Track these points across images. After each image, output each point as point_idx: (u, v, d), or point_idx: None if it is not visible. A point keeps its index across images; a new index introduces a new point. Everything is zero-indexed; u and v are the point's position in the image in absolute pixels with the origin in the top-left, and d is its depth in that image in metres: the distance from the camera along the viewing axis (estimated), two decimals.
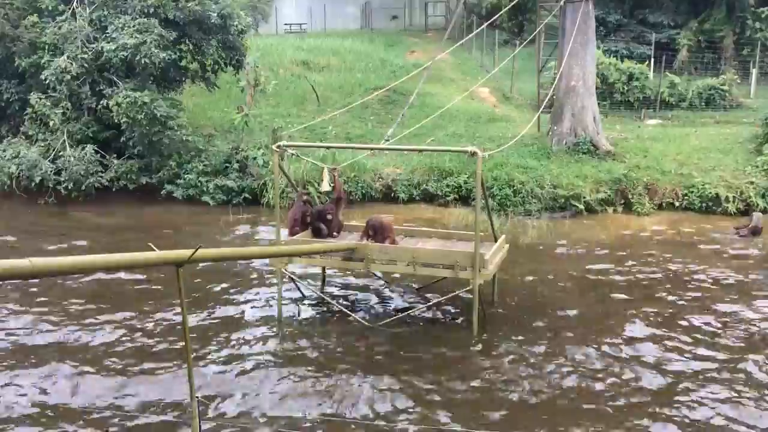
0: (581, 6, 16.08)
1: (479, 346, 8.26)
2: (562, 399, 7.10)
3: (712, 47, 25.28)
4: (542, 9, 18.87)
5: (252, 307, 9.50)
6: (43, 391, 7.20)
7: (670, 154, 16.40)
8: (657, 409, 6.87)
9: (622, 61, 22.62)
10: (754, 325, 8.92)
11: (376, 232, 9.02)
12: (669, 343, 8.36)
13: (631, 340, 8.44)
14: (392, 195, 15.24)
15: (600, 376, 7.57)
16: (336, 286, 10.46)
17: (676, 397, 7.10)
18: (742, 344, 8.38)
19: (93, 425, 6.61)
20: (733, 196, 14.60)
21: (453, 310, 9.45)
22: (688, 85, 22.06)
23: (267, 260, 10.65)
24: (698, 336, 8.60)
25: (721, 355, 8.04)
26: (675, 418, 6.71)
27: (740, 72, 23.71)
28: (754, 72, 23.21)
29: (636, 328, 8.79)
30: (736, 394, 7.14)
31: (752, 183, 14.84)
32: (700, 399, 7.07)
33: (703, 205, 14.68)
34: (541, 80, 20.21)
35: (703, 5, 26.47)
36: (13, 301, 9.60)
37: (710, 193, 14.68)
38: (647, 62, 23.38)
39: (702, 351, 8.17)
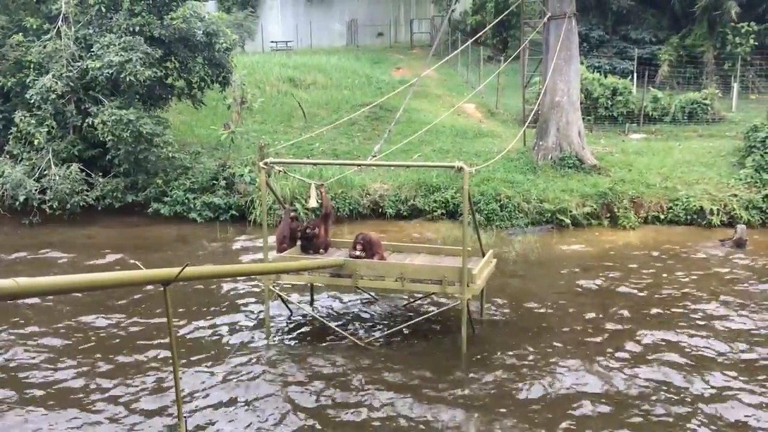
0: (564, 22, 16.29)
1: (467, 363, 8.23)
2: (551, 418, 7.08)
3: (693, 62, 25.66)
4: (526, 26, 19.11)
5: (240, 326, 9.41)
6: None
7: (655, 167, 16.58)
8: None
9: (605, 76, 22.90)
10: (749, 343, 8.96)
11: (364, 248, 9.01)
12: (661, 361, 8.33)
13: (621, 358, 8.40)
14: (380, 211, 15.27)
15: (589, 395, 7.56)
16: (324, 303, 10.41)
17: (666, 417, 7.11)
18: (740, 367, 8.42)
19: None
20: (717, 209, 14.76)
21: (441, 326, 9.43)
22: (671, 100, 22.34)
23: (255, 277, 10.61)
24: (693, 353, 8.58)
25: (724, 376, 8.07)
26: None
27: (721, 86, 24.09)
28: (735, 86, 23.56)
29: (627, 346, 8.74)
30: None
31: (735, 195, 15.02)
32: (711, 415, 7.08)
33: (688, 218, 14.83)
34: (526, 95, 20.42)
35: (685, 21, 26.93)
36: None
37: (695, 206, 14.83)
38: (630, 77, 23.70)
39: (701, 369, 8.15)
